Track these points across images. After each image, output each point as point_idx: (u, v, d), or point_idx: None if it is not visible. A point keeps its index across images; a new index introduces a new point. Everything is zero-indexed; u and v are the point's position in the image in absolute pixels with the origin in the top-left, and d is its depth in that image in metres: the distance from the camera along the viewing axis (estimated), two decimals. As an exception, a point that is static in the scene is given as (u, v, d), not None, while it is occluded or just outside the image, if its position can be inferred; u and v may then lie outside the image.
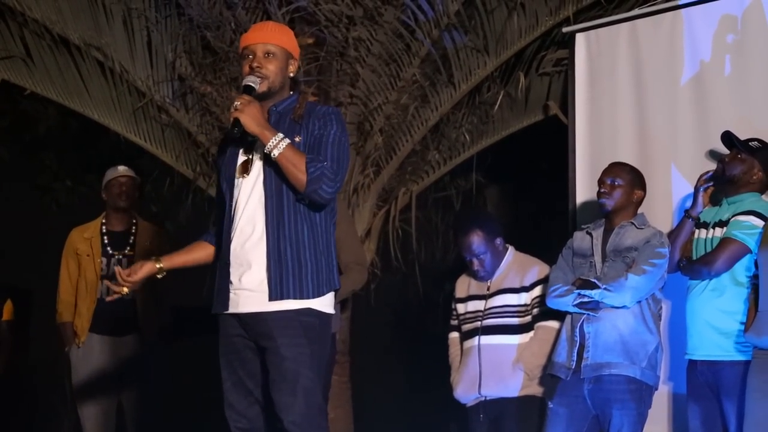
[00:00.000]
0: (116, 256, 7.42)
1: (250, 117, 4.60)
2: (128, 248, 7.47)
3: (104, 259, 7.41)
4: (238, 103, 4.62)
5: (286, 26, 5.26)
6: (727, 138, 5.98)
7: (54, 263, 7.62)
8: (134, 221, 7.58)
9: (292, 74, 4.87)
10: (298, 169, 4.59)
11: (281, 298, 4.62)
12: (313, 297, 4.66)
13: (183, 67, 8.34)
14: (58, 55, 8.33)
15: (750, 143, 5.90)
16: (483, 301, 6.45)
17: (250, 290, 4.67)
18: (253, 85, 4.74)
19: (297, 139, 4.69)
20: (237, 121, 4.62)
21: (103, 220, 7.52)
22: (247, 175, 4.73)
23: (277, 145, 4.58)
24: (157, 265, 4.96)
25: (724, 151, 6.02)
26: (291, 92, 4.89)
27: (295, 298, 4.63)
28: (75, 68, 8.37)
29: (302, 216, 4.68)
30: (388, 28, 7.93)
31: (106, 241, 7.45)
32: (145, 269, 4.96)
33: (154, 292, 7.40)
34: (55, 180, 11.20)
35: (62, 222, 8.17)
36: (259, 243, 4.67)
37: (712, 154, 6.34)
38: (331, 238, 4.82)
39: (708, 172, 6.00)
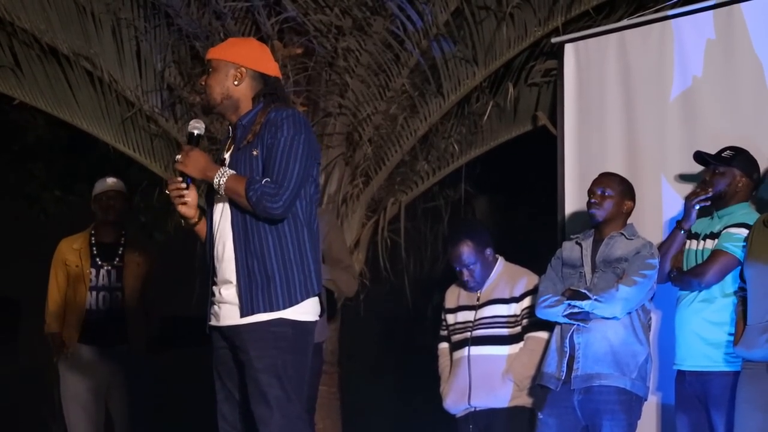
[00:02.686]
0: (105, 267, 7.41)
1: (192, 167, 4.68)
2: (117, 259, 7.46)
3: (93, 270, 7.40)
4: (179, 156, 4.70)
5: (241, 38, 5.28)
6: (700, 157, 6.00)
7: (43, 273, 7.61)
8: (123, 233, 7.57)
9: (236, 83, 4.77)
10: (240, 197, 4.61)
11: (252, 313, 4.62)
12: (285, 308, 4.63)
13: (172, 77, 8.34)
14: (47, 65, 8.32)
15: (723, 155, 5.91)
16: (473, 312, 6.45)
17: (229, 304, 4.69)
18: (195, 132, 4.83)
19: (254, 153, 4.66)
20: (184, 174, 4.71)
21: (92, 232, 7.50)
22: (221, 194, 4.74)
23: (219, 182, 4.64)
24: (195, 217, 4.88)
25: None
26: (259, 103, 4.81)
27: (265, 311, 4.62)
28: (64, 78, 8.36)
29: (267, 229, 4.66)
30: (377, 38, 7.94)
31: (95, 252, 7.43)
32: (194, 195, 4.83)
33: (142, 303, 7.40)
34: (43, 190, 11.19)
35: (51, 232, 8.15)
36: (230, 259, 4.69)
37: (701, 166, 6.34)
38: (304, 245, 4.72)
39: (700, 194, 5.95)
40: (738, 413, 5.42)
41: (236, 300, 4.65)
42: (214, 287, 4.77)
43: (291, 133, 4.65)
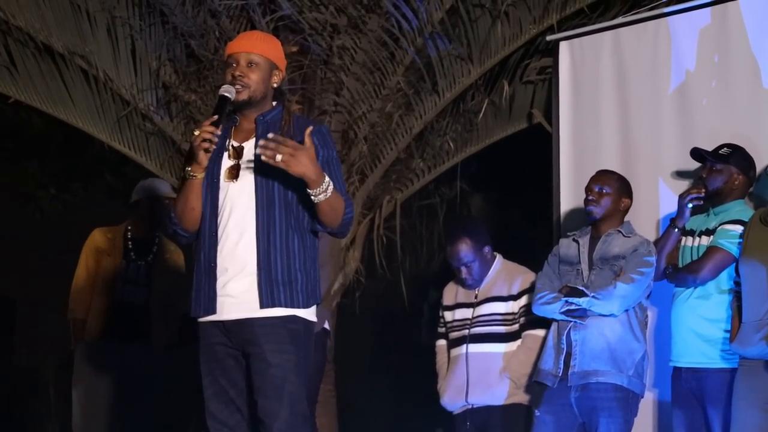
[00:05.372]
0: (137, 261, 7.38)
1: (305, 167, 4.47)
2: (151, 256, 7.43)
3: (125, 262, 7.36)
4: (283, 156, 4.43)
5: (274, 36, 5.20)
6: (697, 154, 6.01)
7: (38, 271, 7.59)
8: (156, 233, 7.53)
9: (275, 85, 4.82)
10: (337, 213, 4.63)
11: (272, 306, 4.59)
12: (303, 307, 4.65)
13: (167, 75, 8.34)
14: (42, 63, 8.31)
15: (720, 152, 5.93)
16: (471, 309, 6.46)
17: (235, 297, 4.63)
18: (228, 95, 4.69)
19: None
20: (216, 123, 4.58)
21: (128, 227, 7.46)
22: (236, 180, 4.68)
23: (326, 191, 4.54)
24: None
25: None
26: (274, 103, 4.85)
27: (285, 306, 4.61)
28: (59, 76, 8.35)
29: (292, 228, 4.66)
30: (372, 36, 7.96)
31: (130, 246, 7.41)
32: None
33: (167, 301, 7.35)
34: (38, 188, 11.18)
35: (46, 230, 8.15)
36: (246, 250, 4.63)
37: (697, 163, 6.35)
38: (317, 252, 4.79)
39: (697, 191, 5.97)
40: (734, 410, 5.44)
41: (247, 294, 4.61)
42: (214, 280, 4.67)
43: (335, 151, 4.77)
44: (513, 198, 9.85)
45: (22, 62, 8.35)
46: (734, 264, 5.69)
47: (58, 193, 11.06)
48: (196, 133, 4.57)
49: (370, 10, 7.87)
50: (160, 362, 7.35)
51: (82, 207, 7.64)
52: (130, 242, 7.40)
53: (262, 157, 4.46)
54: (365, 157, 8.27)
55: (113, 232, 7.43)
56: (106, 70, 8.24)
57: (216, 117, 4.61)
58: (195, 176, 4.67)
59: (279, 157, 4.44)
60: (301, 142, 4.61)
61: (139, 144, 8.61)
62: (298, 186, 4.59)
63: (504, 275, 6.47)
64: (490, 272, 6.47)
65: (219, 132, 4.61)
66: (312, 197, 4.54)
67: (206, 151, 4.61)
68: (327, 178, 4.54)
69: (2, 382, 10.58)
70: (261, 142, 4.47)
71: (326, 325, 6.60)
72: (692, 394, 5.80)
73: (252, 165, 4.69)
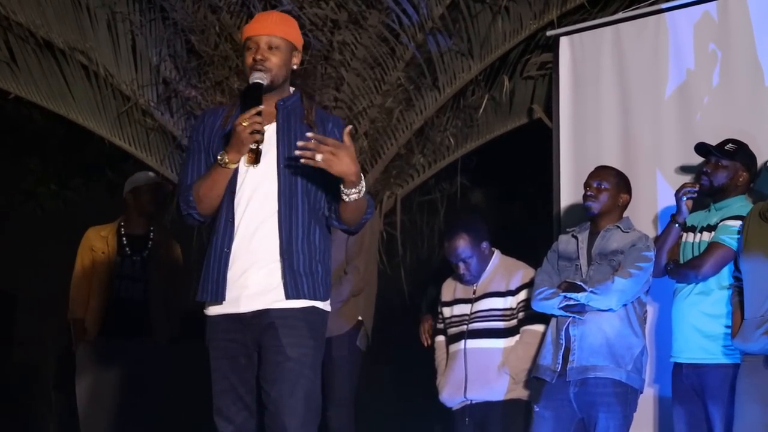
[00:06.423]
0: (132, 257, 7.37)
1: (347, 166, 4.40)
2: (146, 251, 7.42)
3: (120, 258, 7.36)
4: (323, 156, 4.34)
5: (291, 17, 5.01)
6: (703, 148, 6.00)
7: (39, 267, 7.59)
8: (151, 227, 7.52)
9: (295, 66, 4.71)
10: (360, 213, 4.60)
11: (297, 298, 4.53)
12: (323, 299, 4.60)
13: (167, 71, 8.35)
14: (43, 59, 8.33)
15: (726, 147, 5.92)
16: (469, 305, 6.45)
17: (253, 288, 4.54)
18: (261, 81, 4.55)
19: None
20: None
21: (122, 223, 7.46)
22: (256, 165, 4.56)
23: (360, 190, 4.49)
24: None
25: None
26: (292, 89, 4.74)
27: (309, 298, 4.55)
28: (59, 72, 8.36)
29: (315, 219, 4.60)
30: (372, 31, 7.96)
31: (124, 242, 7.41)
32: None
33: (166, 295, 7.35)
34: (39, 184, 11.18)
35: (46, 227, 8.15)
36: (265, 239, 4.54)
37: (697, 159, 6.35)
38: (331, 246, 4.74)
39: (691, 186, 5.97)
40: (737, 406, 5.43)
41: (269, 283, 4.53)
42: (225, 267, 4.56)
43: None
44: (513, 193, 9.84)
45: (22, 58, 8.37)
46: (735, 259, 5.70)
47: (58, 189, 11.05)
48: (245, 123, 4.42)
49: (371, 5, 7.87)
50: (163, 357, 7.35)
51: (83, 203, 7.63)
52: (124, 238, 7.41)
53: (302, 159, 4.38)
54: (365, 153, 8.28)
55: (107, 230, 7.44)
56: (107, 66, 8.25)
57: (262, 107, 4.47)
58: (230, 166, 4.53)
59: (319, 157, 4.36)
60: (324, 132, 4.56)
61: (139, 140, 8.62)
62: (320, 177, 4.52)
63: (502, 271, 6.46)
64: (488, 268, 6.47)
65: (263, 122, 4.49)
66: (344, 196, 4.48)
67: (256, 142, 4.49)
68: (362, 178, 4.49)
69: (2, 379, 10.59)
70: (300, 143, 4.39)
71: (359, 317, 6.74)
72: (693, 389, 5.79)
73: (274, 150, 4.58)
